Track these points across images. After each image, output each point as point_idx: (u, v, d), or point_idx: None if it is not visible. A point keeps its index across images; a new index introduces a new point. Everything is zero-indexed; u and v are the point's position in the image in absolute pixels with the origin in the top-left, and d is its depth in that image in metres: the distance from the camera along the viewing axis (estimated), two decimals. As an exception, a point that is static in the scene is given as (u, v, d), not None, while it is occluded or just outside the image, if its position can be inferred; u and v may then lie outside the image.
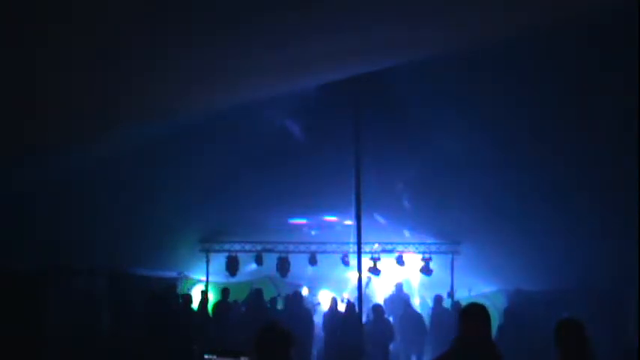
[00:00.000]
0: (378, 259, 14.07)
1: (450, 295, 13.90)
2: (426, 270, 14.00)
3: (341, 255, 14.22)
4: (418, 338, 12.90)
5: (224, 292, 13.30)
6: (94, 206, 9.74)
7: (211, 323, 12.55)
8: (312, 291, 15.95)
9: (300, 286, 15.25)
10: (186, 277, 15.00)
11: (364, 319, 12.75)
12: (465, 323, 4.36)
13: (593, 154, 8.73)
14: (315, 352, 13.56)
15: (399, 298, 14.71)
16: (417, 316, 13.24)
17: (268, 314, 12.72)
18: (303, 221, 14.48)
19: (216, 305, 13.29)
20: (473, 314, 4.40)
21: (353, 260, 13.13)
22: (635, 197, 8.00)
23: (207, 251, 14.30)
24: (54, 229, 9.59)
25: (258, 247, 14.29)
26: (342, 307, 13.50)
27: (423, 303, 15.34)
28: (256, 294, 13.56)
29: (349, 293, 15.73)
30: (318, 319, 13.85)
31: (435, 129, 10.34)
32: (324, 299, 15.40)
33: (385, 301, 14.67)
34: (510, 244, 11.99)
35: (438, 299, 13.36)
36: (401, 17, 4.97)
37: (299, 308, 12.95)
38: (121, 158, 8.96)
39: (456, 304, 12.79)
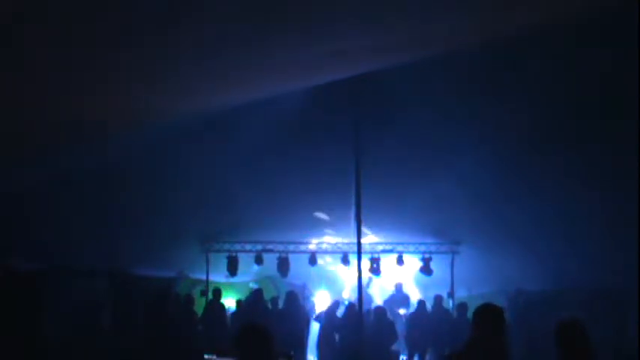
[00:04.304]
0: (378, 259, 14.06)
1: (450, 295, 13.88)
2: (426, 270, 13.99)
3: (341, 255, 14.23)
4: (420, 339, 12.88)
5: (215, 292, 13.33)
6: (94, 206, 9.74)
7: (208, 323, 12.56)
8: (311, 291, 15.93)
9: (300, 285, 15.24)
10: (186, 277, 14.99)
11: (365, 319, 12.73)
12: (481, 324, 4.36)
13: (593, 154, 8.74)
14: (314, 353, 13.56)
15: (399, 298, 14.71)
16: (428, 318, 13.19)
17: (266, 314, 12.71)
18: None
19: (209, 305, 13.32)
20: (489, 316, 4.41)
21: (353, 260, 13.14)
22: (635, 197, 8.00)
23: (207, 251, 14.30)
24: (54, 229, 9.59)
25: (258, 247, 14.29)
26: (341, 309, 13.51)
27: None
28: (256, 294, 13.57)
29: (348, 293, 15.74)
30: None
31: (435, 130, 10.34)
32: (320, 300, 15.38)
33: (385, 301, 14.66)
34: (510, 244, 11.99)
35: (438, 299, 13.35)
36: (401, 17, 4.97)
37: (296, 308, 12.94)
38: (121, 158, 8.95)
39: (461, 305, 12.59)
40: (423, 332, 12.78)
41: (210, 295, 13.46)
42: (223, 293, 13.54)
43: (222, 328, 12.27)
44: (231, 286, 15.26)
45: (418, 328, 12.82)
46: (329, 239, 14.82)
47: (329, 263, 15.71)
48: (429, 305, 13.50)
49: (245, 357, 3.94)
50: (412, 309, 14.01)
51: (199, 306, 13.52)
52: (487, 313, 4.44)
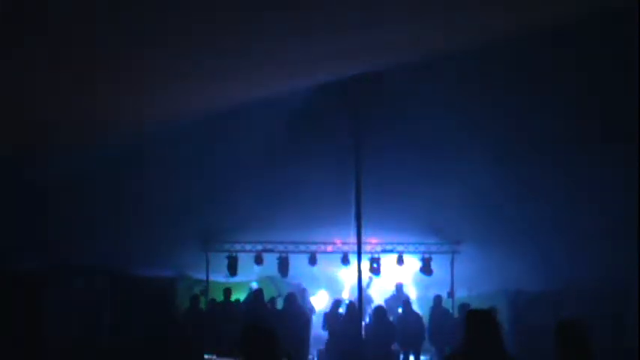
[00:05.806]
0: (378, 259, 14.06)
1: (450, 295, 13.87)
2: (426, 270, 13.99)
3: (341, 255, 14.22)
4: (416, 339, 12.86)
5: (226, 292, 13.35)
6: (94, 206, 9.74)
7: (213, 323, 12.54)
8: (311, 292, 15.90)
9: (297, 285, 15.21)
10: (186, 277, 14.98)
11: (365, 319, 12.72)
12: (474, 330, 4.41)
13: (593, 154, 8.74)
14: (314, 352, 13.55)
15: (399, 298, 14.68)
16: (416, 317, 13.21)
17: (267, 314, 12.70)
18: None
19: (216, 305, 13.30)
20: (482, 322, 4.45)
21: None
22: (635, 197, 8.01)
23: (207, 251, 14.29)
24: (54, 228, 9.59)
25: (259, 247, 14.28)
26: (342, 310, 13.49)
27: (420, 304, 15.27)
28: (256, 294, 13.56)
29: (349, 293, 15.71)
30: (316, 320, 13.84)
31: (436, 129, 10.34)
32: (319, 302, 15.34)
33: (385, 301, 14.65)
34: (510, 244, 11.99)
35: (437, 299, 13.33)
36: (401, 17, 4.97)
37: (296, 308, 12.93)
38: (121, 158, 8.96)
39: (463, 305, 12.49)
40: (412, 331, 12.75)
41: (222, 296, 13.48)
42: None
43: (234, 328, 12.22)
44: (233, 286, 15.25)
45: (410, 327, 12.79)
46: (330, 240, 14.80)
47: (325, 266, 15.67)
48: (426, 306, 13.46)
49: (248, 357, 3.93)
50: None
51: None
52: (477, 316, 4.52)
